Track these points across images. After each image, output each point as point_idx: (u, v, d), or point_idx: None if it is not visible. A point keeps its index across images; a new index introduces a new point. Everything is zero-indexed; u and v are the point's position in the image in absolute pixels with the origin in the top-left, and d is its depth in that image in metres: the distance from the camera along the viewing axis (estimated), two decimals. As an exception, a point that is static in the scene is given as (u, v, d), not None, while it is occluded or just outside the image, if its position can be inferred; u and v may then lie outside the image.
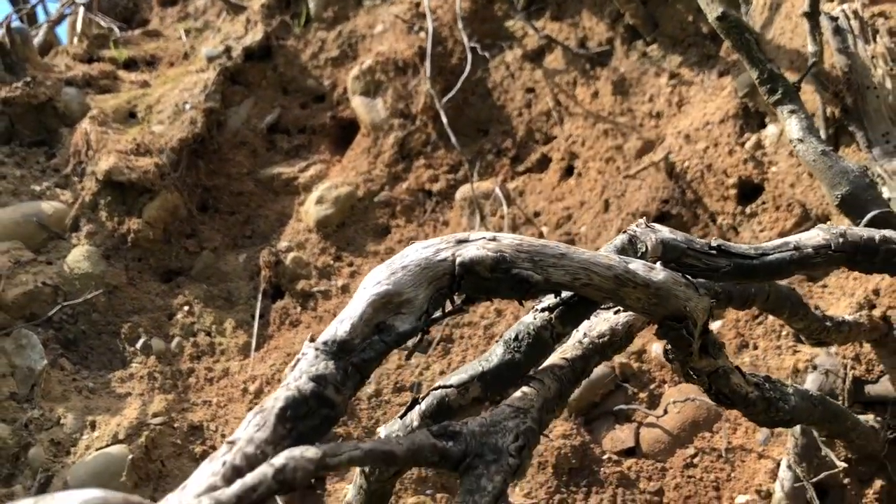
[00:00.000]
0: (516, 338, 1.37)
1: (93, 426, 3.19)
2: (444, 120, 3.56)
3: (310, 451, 0.97)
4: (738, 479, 2.53)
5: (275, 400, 1.10)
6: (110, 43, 4.79)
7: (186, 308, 3.61)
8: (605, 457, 2.70)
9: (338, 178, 3.79)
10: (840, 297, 2.56)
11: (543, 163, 3.57)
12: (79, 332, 3.52)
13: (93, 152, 3.82)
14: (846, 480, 2.37)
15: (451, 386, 1.34)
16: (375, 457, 1.08)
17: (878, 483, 2.33)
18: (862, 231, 1.43)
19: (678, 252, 1.37)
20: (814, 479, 2.21)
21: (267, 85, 4.26)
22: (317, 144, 4.07)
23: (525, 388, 1.32)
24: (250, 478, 0.94)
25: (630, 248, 1.39)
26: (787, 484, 2.37)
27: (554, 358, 1.42)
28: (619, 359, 2.83)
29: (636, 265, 1.31)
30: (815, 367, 2.44)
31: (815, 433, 2.23)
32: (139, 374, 3.41)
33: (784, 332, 2.65)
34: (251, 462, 1.01)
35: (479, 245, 1.25)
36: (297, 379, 1.14)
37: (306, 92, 4.22)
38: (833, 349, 2.43)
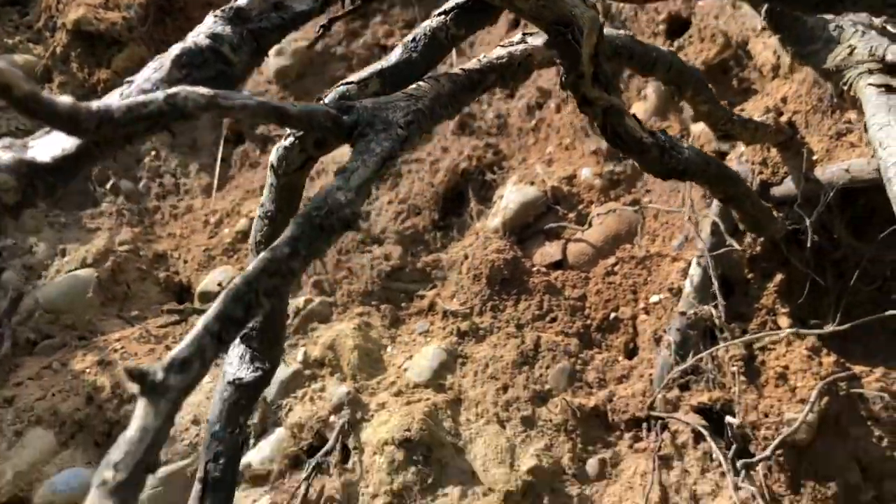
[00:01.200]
0: (414, 39, 1.38)
1: (63, 253, 3.21)
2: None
3: (203, 90, 0.96)
4: (654, 282, 2.59)
5: (171, 49, 1.11)
6: (83, -85, 4.64)
7: (154, 153, 3.59)
8: (534, 269, 2.74)
9: (298, 32, 3.73)
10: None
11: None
12: (51, 174, 3.50)
13: (63, 5, 3.74)
14: (750, 275, 2.43)
15: (352, 82, 1.35)
16: (268, 110, 1.08)
17: (778, 276, 2.39)
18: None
19: (568, -35, 1.37)
20: (716, 253, 2.26)
21: (233, -49, 4.16)
22: (280, 7, 4.00)
23: (420, 83, 1.33)
24: (143, 97, 0.94)
25: (525, -37, 1.39)
26: (696, 279, 2.42)
27: (452, 70, 1.43)
28: (551, 182, 2.86)
29: (526, -31, 1.31)
30: (726, 176, 2.47)
31: (715, 201, 2.27)
32: (109, 212, 3.42)
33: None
34: (146, 96, 1.02)
35: (375, -63, 1.25)
36: (195, 36, 1.14)
37: (271, -42, 4.13)
38: (744, 157, 2.46)
